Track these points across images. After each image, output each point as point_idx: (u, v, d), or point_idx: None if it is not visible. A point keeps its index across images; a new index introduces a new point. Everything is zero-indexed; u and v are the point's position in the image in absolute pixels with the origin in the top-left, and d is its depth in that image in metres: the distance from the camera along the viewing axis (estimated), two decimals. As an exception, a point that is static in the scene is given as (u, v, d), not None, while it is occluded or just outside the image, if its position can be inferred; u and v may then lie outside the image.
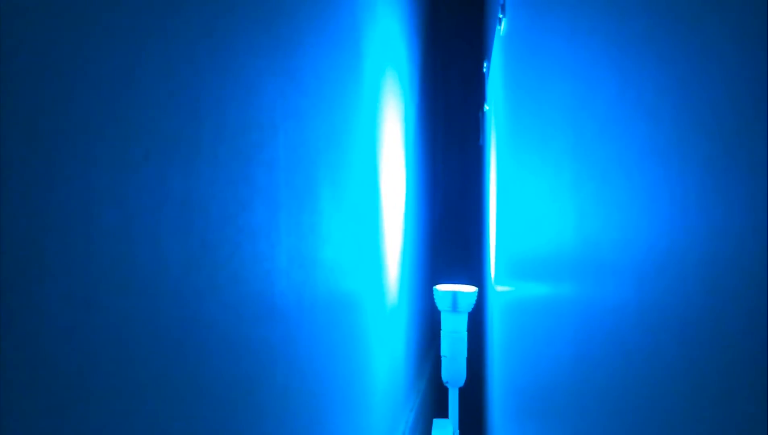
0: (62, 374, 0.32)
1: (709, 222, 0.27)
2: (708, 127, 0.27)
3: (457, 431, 2.31)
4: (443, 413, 2.44)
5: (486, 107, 2.66)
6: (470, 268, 3.34)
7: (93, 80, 0.35)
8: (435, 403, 3.17)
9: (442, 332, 2.31)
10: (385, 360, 1.59)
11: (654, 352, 0.34)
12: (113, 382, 0.37)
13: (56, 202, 0.32)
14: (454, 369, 2.29)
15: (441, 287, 2.32)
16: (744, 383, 0.24)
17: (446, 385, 2.34)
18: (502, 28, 1.52)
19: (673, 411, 0.32)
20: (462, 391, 2.38)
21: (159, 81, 0.42)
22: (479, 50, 3.33)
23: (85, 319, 0.34)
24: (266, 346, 0.63)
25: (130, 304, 0.38)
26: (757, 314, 0.23)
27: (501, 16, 1.49)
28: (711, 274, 0.27)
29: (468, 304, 2.28)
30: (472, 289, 2.31)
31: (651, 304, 0.34)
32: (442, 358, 2.31)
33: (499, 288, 1.76)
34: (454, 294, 2.27)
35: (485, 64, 2.66)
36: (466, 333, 2.30)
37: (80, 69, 0.34)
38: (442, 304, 2.29)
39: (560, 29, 0.65)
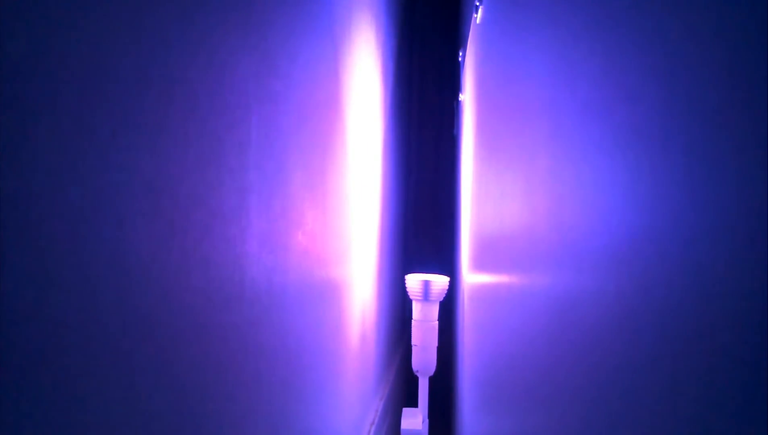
0: (23, 356, 0.31)
1: (693, 207, 0.27)
2: (691, 111, 0.27)
3: (427, 420, 2.31)
4: (413, 402, 2.45)
5: (461, 96, 2.65)
6: (442, 257, 3.34)
7: (58, 54, 0.33)
8: (405, 392, 3.18)
9: (413, 321, 2.31)
10: (356, 348, 1.58)
11: (633, 342, 0.33)
12: (77, 366, 0.35)
13: (16, 178, 0.30)
14: (424, 358, 2.29)
15: (412, 276, 2.32)
16: (723, 374, 0.24)
17: (416, 374, 2.34)
18: (478, 16, 1.51)
19: (650, 403, 0.31)
20: (432, 380, 2.38)
21: (127, 56, 0.40)
22: (455, 39, 3.33)
23: (45, 301, 0.33)
24: (236, 331, 0.62)
25: (93, 285, 0.37)
26: (739, 305, 0.23)
27: (478, 3, 1.48)
28: (694, 261, 0.27)
29: (439, 293, 2.28)
30: (443, 278, 2.31)
31: (631, 292, 0.34)
32: (413, 347, 2.31)
33: (471, 277, 1.76)
34: (426, 283, 2.27)
35: (461, 53, 2.66)
36: (437, 322, 2.30)
37: (45, 43, 0.32)
38: (413, 293, 2.29)
39: (540, 14, 0.64)
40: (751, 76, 0.22)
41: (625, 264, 0.35)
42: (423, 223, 3.55)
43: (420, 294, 2.27)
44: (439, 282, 2.28)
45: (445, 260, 3.30)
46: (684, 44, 0.28)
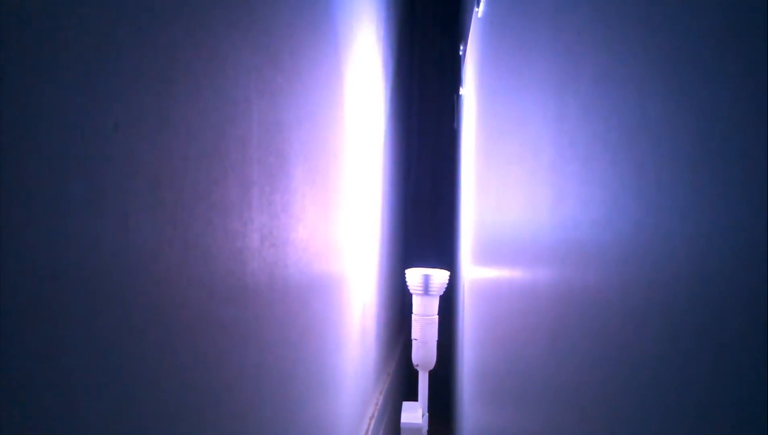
0: (24, 350, 0.31)
1: (699, 203, 0.26)
2: (698, 107, 0.27)
3: (426, 414, 2.31)
4: (413, 396, 2.45)
5: (462, 91, 2.65)
6: (442, 251, 3.34)
7: (60, 47, 0.33)
8: (405, 386, 3.18)
9: (413, 315, 2.31)
10: (356, 342, 1.58)
11: (637, 339, 0.33)
12: (79, 360, 0.35)
13: (18, 172, 0.30)
14: (424, 352, 2.29)
15: (413, 270, 2.32)
16: (727, 372, 0.24)
17: (416, 368, 2.34)
18: (480, 10, 1.51)
19: (652, 400, 0.31)
20: (432, 374, 2.39)
21: (129, 49, 0.40)
22: (456, 33, 3.32)
23: (50, 294, 0.32)
24: (238, 325, 0.62)
25: (96, 278, 0.37)
26: (745, 302, 0.23)
27: (479, -3, 1.47)
28: (698, 257, 0.26)
29: (439, 288, 2.28)
30: (443, 272, 2.31)
31: (635, 289, 0.34)
32: (413, 341, 2.31)
33: (472, 272, 1.76)
34: (426, 277, 2.27)
35: (462, 48, 2.65)
36: (437, 316, 2.30)
37: (47, 36, 0.32)
38: (413, 287, 2.29)
39: (543, 8, 0.64)
40: (762, 70, 0.22)
41: (630, 261, 0.34)
42: (423, 217, 3.55)
43: (420, 288, 2.27)
44: (440, 276, 2.28)
45: (444, 254, 3.30)
46: (692, 38, 0.27)
